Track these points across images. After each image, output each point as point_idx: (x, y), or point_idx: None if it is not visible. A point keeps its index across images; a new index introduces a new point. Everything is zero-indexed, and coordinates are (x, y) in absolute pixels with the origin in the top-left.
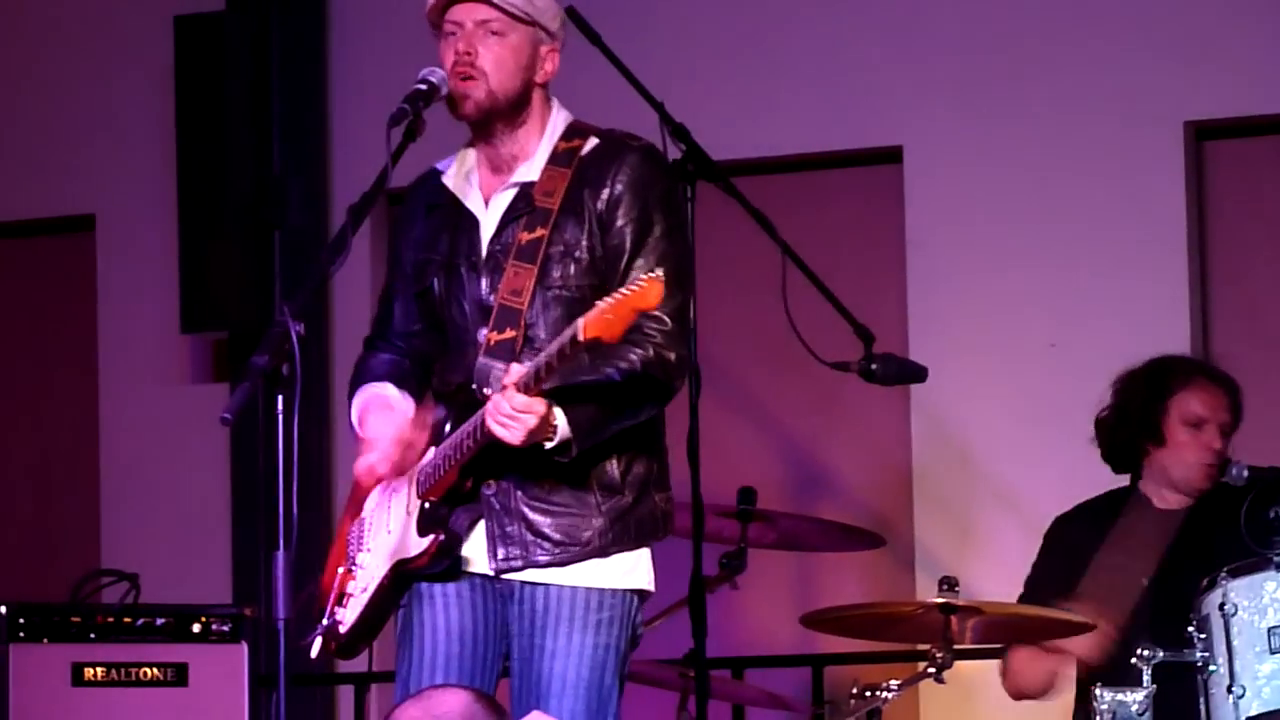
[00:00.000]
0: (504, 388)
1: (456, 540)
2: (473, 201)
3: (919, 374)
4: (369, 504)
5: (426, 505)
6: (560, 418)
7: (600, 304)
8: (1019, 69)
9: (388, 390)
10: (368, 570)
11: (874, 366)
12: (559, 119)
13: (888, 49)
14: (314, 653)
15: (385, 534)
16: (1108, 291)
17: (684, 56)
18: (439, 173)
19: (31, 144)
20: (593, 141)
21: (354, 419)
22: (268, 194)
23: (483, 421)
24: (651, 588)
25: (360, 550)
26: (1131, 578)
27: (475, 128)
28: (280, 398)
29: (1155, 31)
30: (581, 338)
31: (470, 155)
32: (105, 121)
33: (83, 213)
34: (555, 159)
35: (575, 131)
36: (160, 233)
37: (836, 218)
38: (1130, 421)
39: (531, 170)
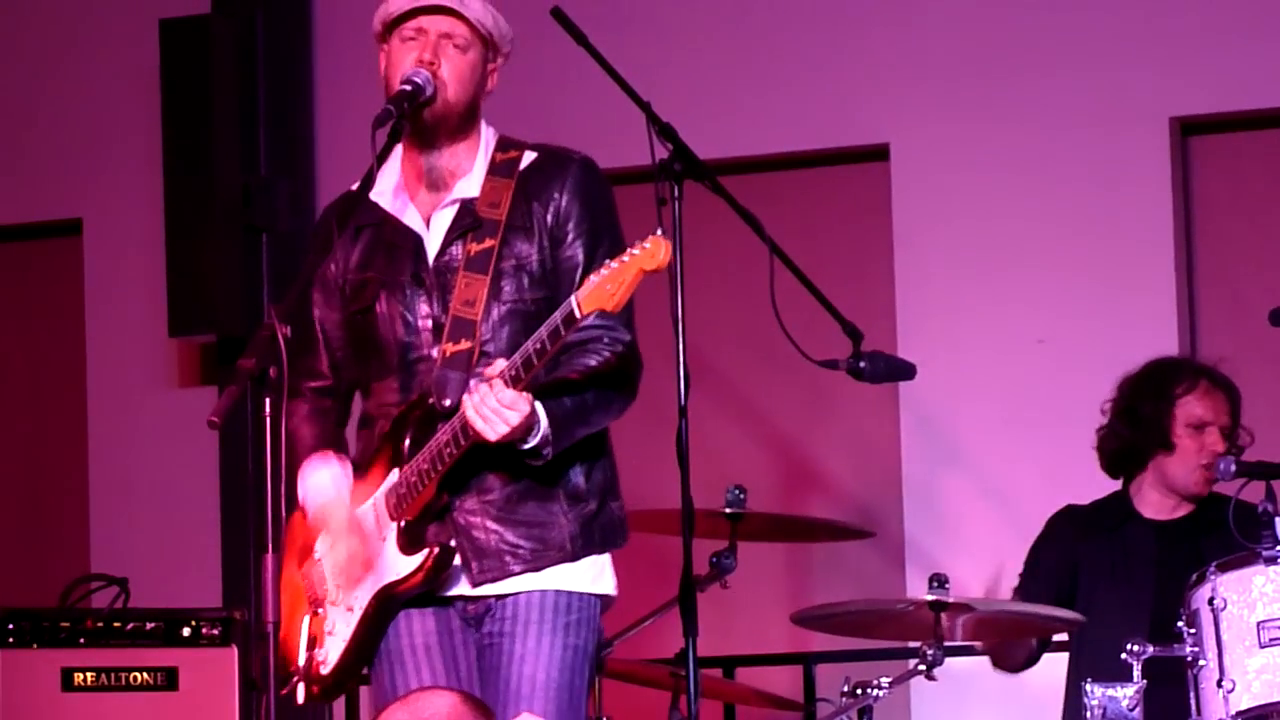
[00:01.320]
0: (487, 381)
1: (451, 552)
2: (410, 219)
3: (908, 372)
4: (320, 546)
5: (403, 525)
6: (542, 415)
7: (595, 275)
8: (1005, 66)
9: (329, 470)
10: (340, 607)
11: (862, 365)
12: (489, 134)
13: (875, 48)
14: (300, 699)
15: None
16: (1095, 287)
17: (670, 55)
18: (354, 193)
19: (18, 149)
20: (530, 154)
21: (302, 496)
22: (254, 197)
23: (463, 426)
24: (615, 593)
25: (323, 592)
26: (1137, 604)
27: (418, 137)
28: (268, 400)
29: (1140, 28)
30: (579, 313)
31: (393, 172)
32: (92, 125)
33: (70, 217)
34: (494, 170)
35: (508, 144)
36: (147, 236)
37: (824, 216)
38: (1136, 428)
39: (471, 185)
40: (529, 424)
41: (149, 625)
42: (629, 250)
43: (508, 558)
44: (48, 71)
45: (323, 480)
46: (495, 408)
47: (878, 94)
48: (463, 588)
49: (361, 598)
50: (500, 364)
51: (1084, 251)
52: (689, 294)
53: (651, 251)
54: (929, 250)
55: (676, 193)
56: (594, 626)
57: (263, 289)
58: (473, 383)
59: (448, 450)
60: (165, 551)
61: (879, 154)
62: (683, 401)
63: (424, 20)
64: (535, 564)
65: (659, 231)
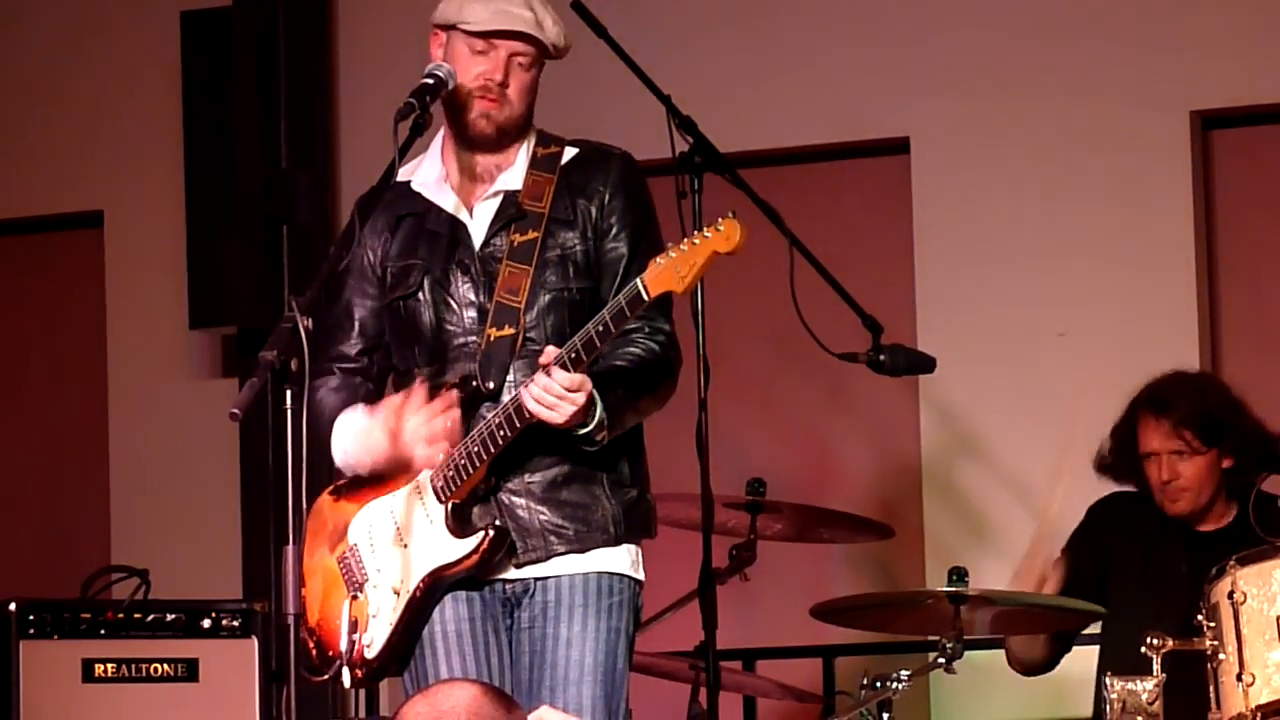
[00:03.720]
0: (544, 368)
1: (506, 534)
2: (455, 209)
3: (928, 365)
4: (355, 530)
5: (451, 508)
6: (598, 400)
7: (662, 258)
8: (1025, 59)
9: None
10: (384, 590)
11: (882, 358)
12: (530, 128)
13: (893, 40)
14: (347, 683)
15: (400, 549)
16: (1116, 281)
17: (690, 48)
18: (403, 183)
19: (40, 141)
20: (571, 150)
21: (340, 453)
22: (275, 189)
23: (516, 409)
24: (643, 582)
25: (364, 575)
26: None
27: (476, 142)
28: (289, 393)
29: (1161, 21)
30: (647, 296)
31: (434, 163)
32: (113, 118)
33: (91, 209)
34: (536, 165)
35: (549, 139)
36: (168, 228)
37: (844, 209)
38: (1115, 466)
39: (514, 178)
40: (588, 408)
41: (169, 617)
42: (699, 233)
43: (552, 537)
44: (69, 64)
45: (356, 418)
46: (560, 393)
47: (898, 87)
48: (505, 569)
49: (408, 580)
50: (551, 350)
51: (1105, 245)
52: (708, 287)
53: (726, 234)
54: (949, 243)
55: (696, 185)
56: (634, 608)
57: (283, 281)
58: (534, 375)
59: (501, 433)
60: (186, 543)
61: (899, 147)
62: (703, 394)
63: (500, 39)
64: (580, 545)
65: (732, 214)
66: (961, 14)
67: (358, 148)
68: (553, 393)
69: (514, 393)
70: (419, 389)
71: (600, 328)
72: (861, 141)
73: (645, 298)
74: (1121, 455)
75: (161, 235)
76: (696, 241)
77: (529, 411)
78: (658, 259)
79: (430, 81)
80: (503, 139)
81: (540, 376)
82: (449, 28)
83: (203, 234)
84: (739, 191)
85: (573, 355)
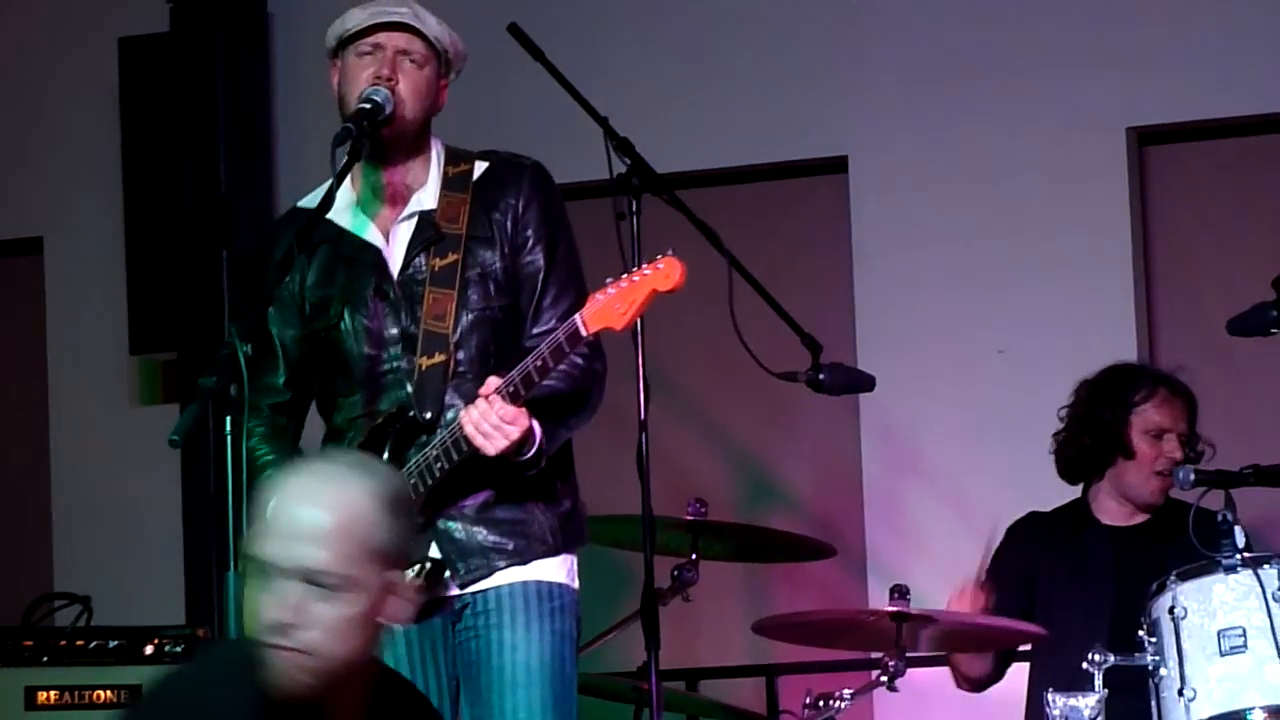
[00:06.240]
0: (485, 398)
1: (442, 566)
2: (369, 234)
3: (867, 383)
4: None
5: None
6: (537, 427)
7: (601, 294)
8: (962, 78)
9: None
10: None
11: (822, 376)
12: (438, 145)
13: (831, 60)
14: None
15: None
16: (1054, 297)
17: (627, 69)
18: (309, 210)
19: None
20: (481, 164)
21: None
22: (214, 214)
23: (454, 441)
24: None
25: None
26: (1096, 611)
27: (374, 154)
28: (229, 418)
29: (1097, 39)
30: (585, 332)
31: (345, 190)
32: (51, 143)
33: (30, 235)
34: (449, 184)
35: (458, 156)
36: (108, 254)
37: (783, 229)
38: (1095, 434)
39: (428, 197)
40: (525, 437)
41: (112, 643)
42: (639, 270)
43: (492, 554)
44: (6, 90)
45: None
46: (496, 423)
47: (835, 106)
48: (447, 589)
49: None
50: (493, 381)
51: (1043, 261)
52: (649, 308)
53: (666, 272)
54: (887, 261)
55: (635, 207)
56: (575, 614)
57: (223, 307)
58: (474, 403)
59: (439, 465)
60: (128, 569)
61: (837, 166)
62: (643, 415)
63: (381, 36)
64: (521, 558)
65: (670, 252)
66: (898, 33)
67: (297, 173)
68: (489, 421)
69: (449, 420)
70: None
71: (539, 363)
72: (800, 161)
73: (584, 334)
74: (1106, 439)
75: (101, 261)
76: (636, 279)
77: (468, 442)
78: (597, 295)
79: (368, 106)
80: (400, 145)
81: (480, 403)
82: (339, 50)
83: (142, 259)
84: (677, 212)
85: (510, 390)
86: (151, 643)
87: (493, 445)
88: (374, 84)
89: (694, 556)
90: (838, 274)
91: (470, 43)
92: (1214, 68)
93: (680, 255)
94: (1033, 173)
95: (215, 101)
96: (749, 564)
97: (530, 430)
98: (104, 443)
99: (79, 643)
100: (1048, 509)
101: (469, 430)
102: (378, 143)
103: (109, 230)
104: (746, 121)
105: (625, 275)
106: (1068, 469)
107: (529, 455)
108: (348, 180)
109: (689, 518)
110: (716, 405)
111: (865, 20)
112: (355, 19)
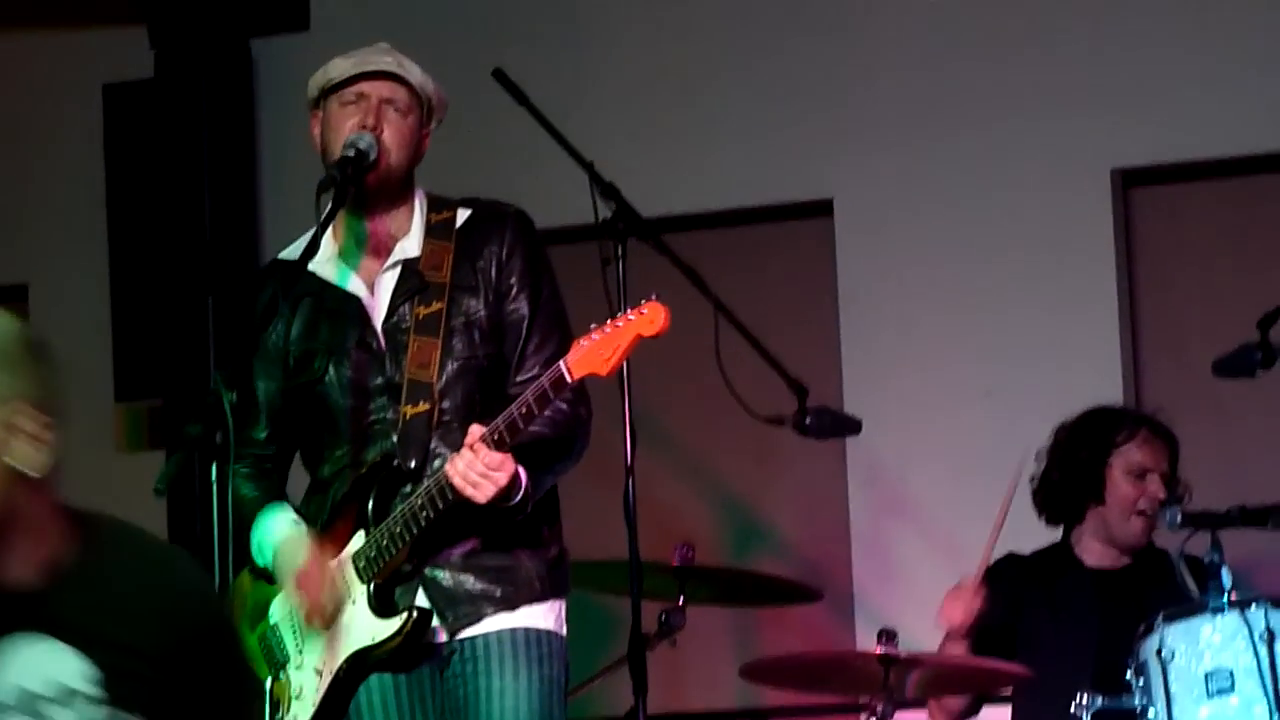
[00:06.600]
0: (470, 446)
1: (429, 615)
2: (352, 285)
3: (854, 426)
4: (276, 609)
5: (374, 588)
6: (523, 473)
7: (586, 340)
8: (947, 120)
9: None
10: (307, 670)
11: (808, 420)
12: (420, 194)
13: (816, 103)
14: None
15: (322, 629)
16: (1041, 338)
17: (612, 114)
18: (292, 262)
19: None
20: (464, 212)
21: (259, 558)
22: (199, 261)
23: (440, 490)
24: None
25: (285, 655)
26: (1080, 653)
27: (357, 202)
28: (214, 466)
29: (1082, 82)
30: (570, 378)
31: (327, 241)
32: (36, 190)
33: (16, 282)
34: (432, 232)
35: (440, 204)
36: (93, 301)
37: (769, 272)
38: (1074, 475)
39: (412, 245)
40: (512, 484)
41: None
42: (624, 315)
43: (481, 601)
44: None
45: (284, 523)
46: (483, 471)
47: (821, 149)
48: (435, 637)
49: (331, 661)
50: (476, 429)
51: (1029, 303)
52: (635, 351)
53: (650, 317)
54: (874, 304)
55: (621, 251)
56: (563, 660)
57: (208, 354)
58: (459, 454)
59: (424, 514)
60: None
61: (823, 209)
62: (629, 460)
63: (365, 85)
64: (509, 604)
65: (655, 296)
66: (883, 75)
67: (281, 218)
68: (475, 470)
69: (435, 468)
70: (320, 562)
71: (524, 410)
72: (785, 204)
73: (569, 380)
74: (1085, 479)
75: (86, 308)
76: (621, 324)
77: (454, 490)
78: (581, 340)
79: (352, 153)
80: (384, 193)
81: (465, 452)
82: (320, 99)
83: (127, 306)
84: (662, 256)
85: (495, 437)
86: None
87: (481, 494)
88: (359, 132)
89: (681, 601)
90: (824, 317)
91: (454, 88)
92: (1199, 110)
93: (666, 299)
94: (1018, 215)
95: (200, 148)
96: (736, 607)
97: (516, 475)
98: (89, 490)
99: None
100: (1027, 551)
101: (457, 481)
102: (362, 191)
103: (94, 277)
104: (732, 165)
105: (610, 320)
106: (1047, 511)
107: (516, 500)
108: (330, 231)
109: (676, 563)
110: (703, 449)
111: (850, 64)
112: (339, 68)
